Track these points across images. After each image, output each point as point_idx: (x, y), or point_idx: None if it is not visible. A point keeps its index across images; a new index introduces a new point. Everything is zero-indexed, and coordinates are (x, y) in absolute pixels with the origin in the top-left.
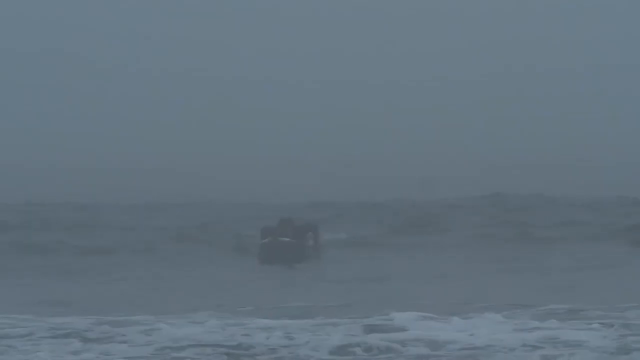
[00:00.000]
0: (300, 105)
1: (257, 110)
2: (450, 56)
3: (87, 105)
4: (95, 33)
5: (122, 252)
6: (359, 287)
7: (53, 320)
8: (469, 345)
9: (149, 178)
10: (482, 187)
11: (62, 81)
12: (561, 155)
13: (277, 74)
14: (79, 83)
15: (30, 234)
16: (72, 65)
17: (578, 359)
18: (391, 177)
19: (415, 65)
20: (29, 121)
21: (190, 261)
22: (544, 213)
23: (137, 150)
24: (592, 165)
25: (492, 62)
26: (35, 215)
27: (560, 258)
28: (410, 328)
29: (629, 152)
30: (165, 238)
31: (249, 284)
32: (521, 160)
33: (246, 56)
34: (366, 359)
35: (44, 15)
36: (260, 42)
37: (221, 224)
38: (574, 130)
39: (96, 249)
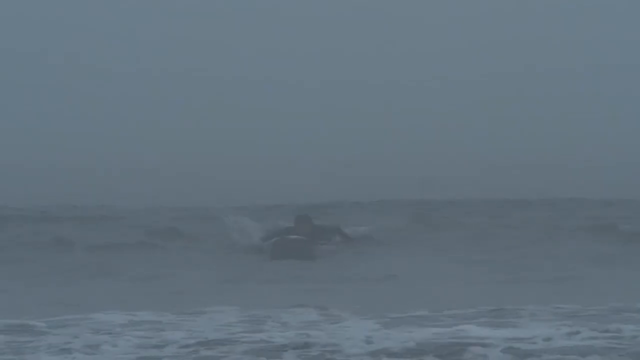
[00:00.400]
0: (300, 105)
1: (257, 110)
2: (450, 56)
3: (87, 105)
4: (95, 33)
5: (129, 251)
6: (383, 286)
7: (80, 318)
8: (510, 337)
9: (150, 179)
10: (482, 188)
11: (62, 81)
12: (561, 155)
13: (277, 73)
14: (79, 83)
15: (31, 235)
16: (72, 65)
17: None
18: (391, 177)
19: (415, 65)
20: (29, 121)
21: (199, 261)
22: (546, 214)
23: (137, 150)
24: (591, 165)
25: (493, 62)
26: (37, 215)
27: (568, 258)
28: (442, 326)
29: (629, 152)
30: (169, 238)
31: (263, 282)
32: (521, 161)
33: (246, 56)
34: (405, 357)
35: (44, 15)
36: (260, 41)
37: (225, 224)
38: (574, 130)
39: (101, 248)
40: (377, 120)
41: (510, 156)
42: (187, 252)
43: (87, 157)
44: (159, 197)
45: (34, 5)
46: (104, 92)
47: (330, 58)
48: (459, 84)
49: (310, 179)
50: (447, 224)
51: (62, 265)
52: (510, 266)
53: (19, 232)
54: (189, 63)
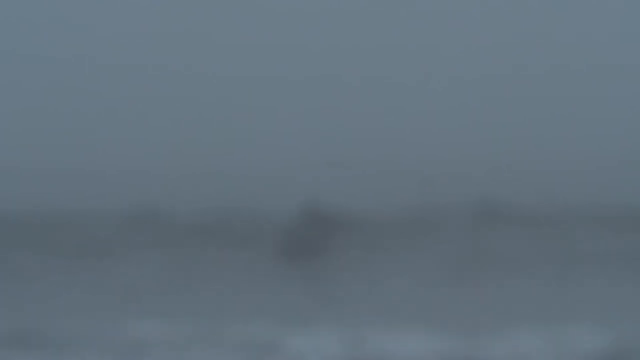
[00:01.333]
0: (299, 104)
1: (256, 109)
2: (452, 55)
3: (87, 105)
4: (95, 33)
5: (140, 256)
6: (427, 292)
7: (131, 324)
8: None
9: (150, 180)
10: (482, 190)
11: (62, 81)
12: (562, 157)
13: (276, 72)
14: (79, 83)
15: (36, 239)
16: (72, 65)
17: None
18: (392, 178)
19: (416, 64)
20: (29, 121)
21: (215, 264)
22: (549, 216)
23: (137, 150)
24: (591, 167)
25: (493, 62)
26: (40, 218)
27: (597, 259)
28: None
29: (629, 153)
30: (178, 241)
31: (287, 286)
32: (523, 163)
33: (246, 55)
34: None
35: (44, 15)
36: (260, 41)
37: (230, 224)
38: (574, 130)
39: (114, 252)
40: (376, 120)
41: (511, 157)
42: (204, 257)
43: (86, 158)
44: (161, 201)
45: (33, 6)
46: (102, 92)
47: (331, 58)
48: (461, 84)
49: (310, 180)
50: (450, 225)
51: (68, 268)
52: (536, 268)
53: (24, 237)
54: (188, 62)
